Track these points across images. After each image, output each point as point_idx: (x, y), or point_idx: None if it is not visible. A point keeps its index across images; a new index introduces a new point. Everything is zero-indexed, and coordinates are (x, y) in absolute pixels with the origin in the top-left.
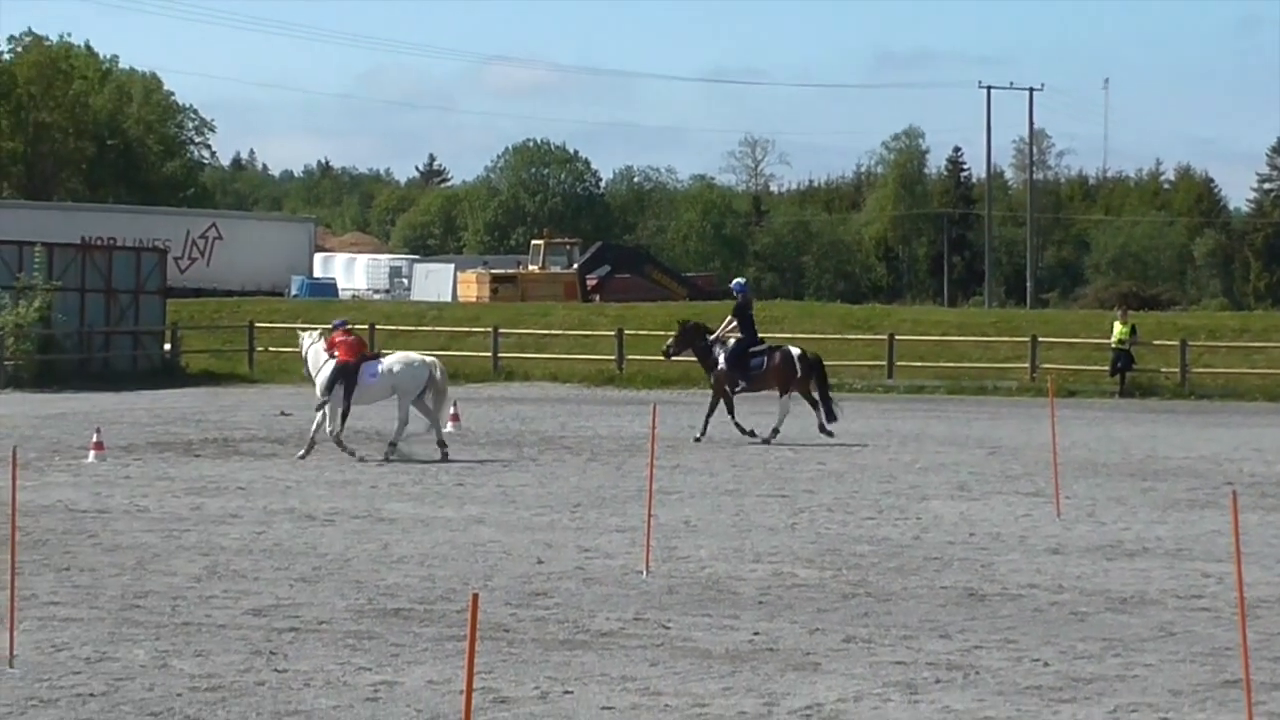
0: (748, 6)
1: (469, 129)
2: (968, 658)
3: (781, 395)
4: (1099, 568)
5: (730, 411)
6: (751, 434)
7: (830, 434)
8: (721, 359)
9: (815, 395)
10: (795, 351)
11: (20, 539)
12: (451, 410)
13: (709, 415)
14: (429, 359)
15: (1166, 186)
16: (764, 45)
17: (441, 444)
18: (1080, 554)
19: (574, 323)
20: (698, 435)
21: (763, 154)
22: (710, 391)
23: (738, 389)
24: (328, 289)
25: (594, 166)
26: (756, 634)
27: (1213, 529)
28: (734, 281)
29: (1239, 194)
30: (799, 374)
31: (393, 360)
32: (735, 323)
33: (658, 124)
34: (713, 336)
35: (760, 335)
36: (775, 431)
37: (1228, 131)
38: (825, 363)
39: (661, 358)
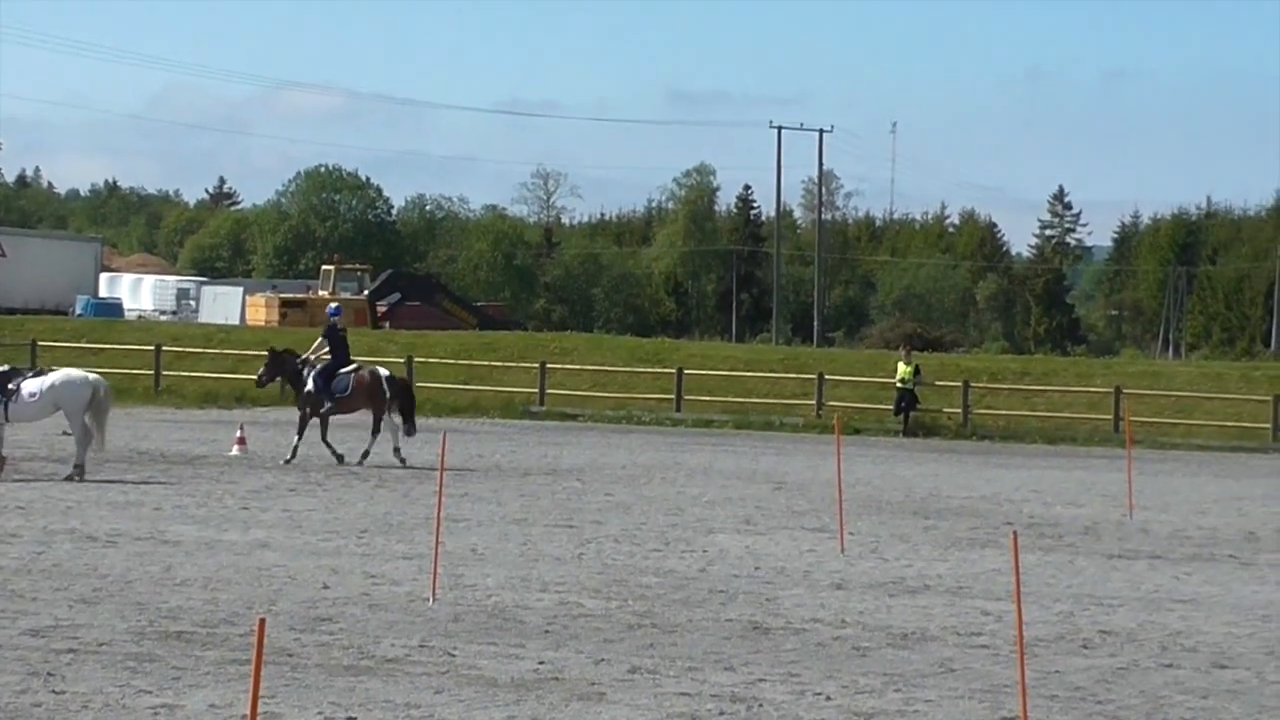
0: (543, 39)
1: (261, 152)
2: (751, 690)
3: (376, 418)
4: (881, 604)
5: (323, 434)
6: (341, 458)
7: (403, 460)
8: (310, 381)
9: (397, 420)
10: (384, 373)
11: None
12: (239, 433)
13: (298, 438)
14: (92, 376)
15: (951, 230)
16: (559, 77)
17: (77, 467)
18: (863, 590)
19: (364, 349)
20: (287, 458)
21: (555, 186)
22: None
23: (325, 409)
24: (113, 309)
25: (385, 194)
26: (542, 663)
27: (992, 568)
28: (330, 306)
29: (1021, 239)
30: (387, 395)
31: (55, 377)
32: (326, 346)
33: (451, 153)
34: (301, 358)
35: (353, 359)
36: (365, 455)
37: (1011, 178)
38: (612, 394)
39: (454, 384)
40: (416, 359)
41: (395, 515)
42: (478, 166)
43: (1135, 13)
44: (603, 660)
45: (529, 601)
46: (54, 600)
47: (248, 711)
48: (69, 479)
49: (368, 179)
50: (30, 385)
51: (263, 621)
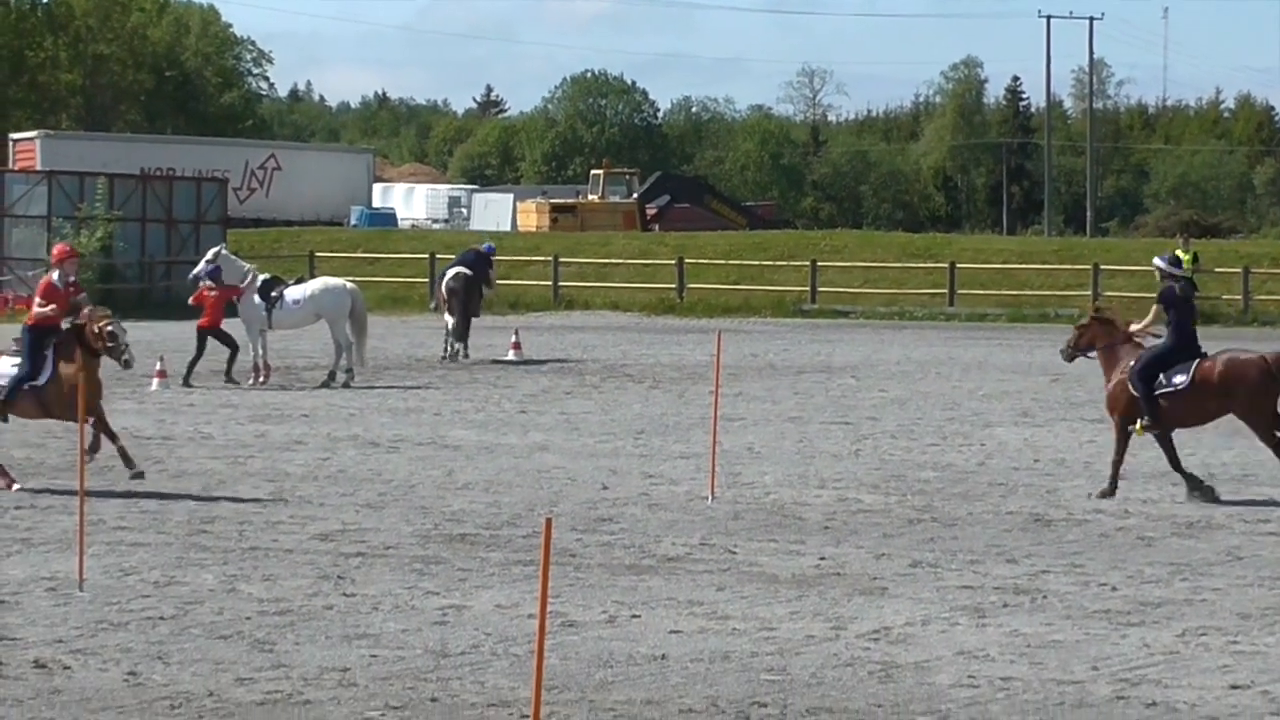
0: None
1: (527, 60)
2: (1034, 582)
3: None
4: (1165, 493)
5: None
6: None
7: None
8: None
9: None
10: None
11: (88, 465)
12: (514, 339)
13: None
14: (350, 285)
15: (1226, 115)
16: None
17: (347, 371)
18: (1146, 479)
19: (634, 252)
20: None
21: (820, 84)
22: None
23: None
24: (387, 219)
25: (651, 97)
26: (823, 559)
27: None
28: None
29: None
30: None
31: (316, 285)
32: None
33: (717, 55)
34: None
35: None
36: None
37: None
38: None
39: (725, 285)
40: (687, 260)
41: (671, 416)
42: (744, 67)
43: None
44: (883, 555)
45: (807, 498)
46: (341, 505)
47: (535, 611)
48: (325, 385)
49: (634, 83)
50: (293, 293)
51: (549, 521)
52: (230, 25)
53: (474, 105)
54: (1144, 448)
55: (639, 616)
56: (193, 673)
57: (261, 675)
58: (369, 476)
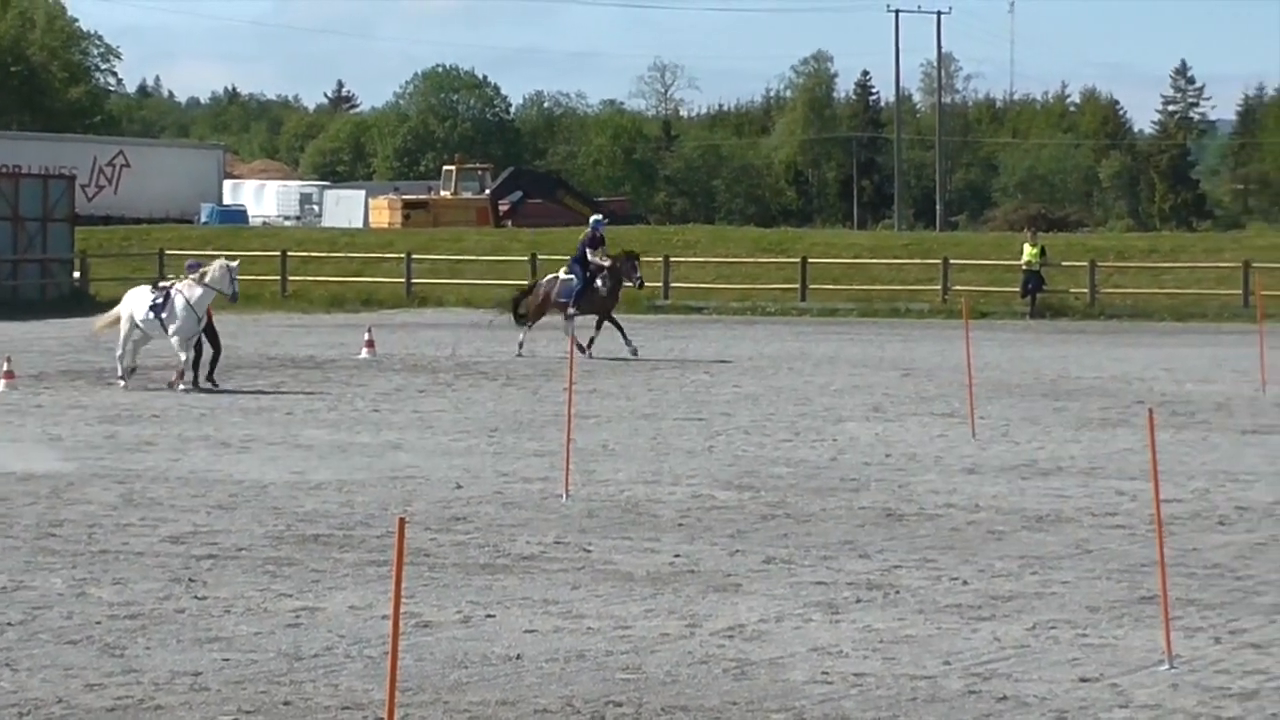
0: None
1: (382, 56)
2: (887, 577)
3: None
4: (1014, 487)
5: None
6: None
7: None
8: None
9: None
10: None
11: None
12: (367, 336)
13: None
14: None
15: (1072, 109)
16: None
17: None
18: (996, 473)
19: (487, 248)
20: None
21: (672, 79)
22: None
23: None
24: (238, 216)
25: (504, 92)
26: (677, 556)
27: (1125, 447)
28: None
29: (1144, 116)
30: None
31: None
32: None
33: (571, 49)
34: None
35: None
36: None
37: (1132, 54)
38: (736, 285)
39: None
40: (540, 256)
41: (525, 413)
42: (598, 61)
43: None
44: (737, 552)
45: (661, 495)
46: (192, 507)
47: (389, 612)
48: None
49: (485, 78)
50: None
51: (402, 521)
52: (76, 20)
53: (325, 101)
54: (994, 442)
55: (494, 616)
56: (41, 679)
57: (111, 681)
58: (220, 477)
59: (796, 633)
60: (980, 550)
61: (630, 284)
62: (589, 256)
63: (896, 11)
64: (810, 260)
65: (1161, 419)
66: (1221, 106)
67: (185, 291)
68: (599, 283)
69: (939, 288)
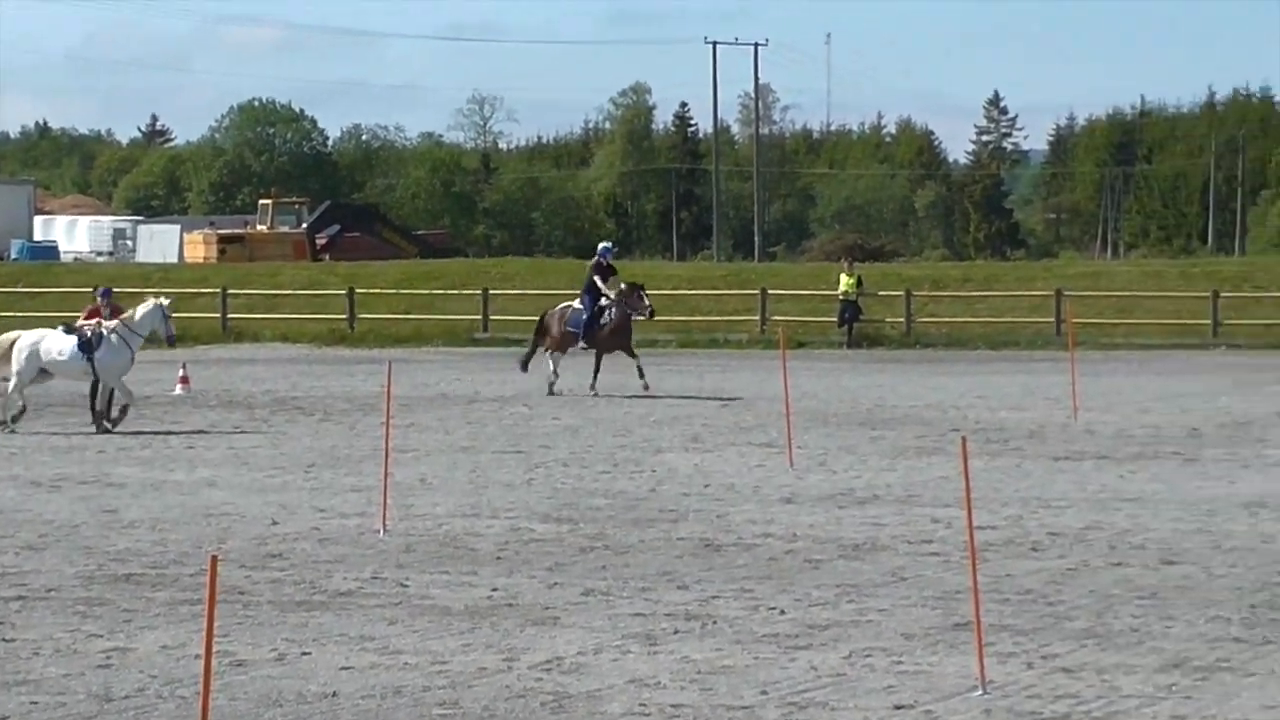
0: None
1: (196, 89)
2: (705, 607)
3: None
4: (831, 516)
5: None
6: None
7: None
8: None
9: None
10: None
11: None
12: (181, 373)
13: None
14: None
15: (888, 140)
16: (501, 2)
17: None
18: (813, 503)
19: (304, 282)
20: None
21: (491, 111)
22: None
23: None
24: (49, 252)
25: (321, 125)
26: (495, 590)
27: (940, 475)
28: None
29: (958, 146)
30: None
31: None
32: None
33: (390, 82)
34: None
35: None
36: None
37: (946, 86)
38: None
39: (397, 314)
40: (358, 290)
41: (342, 448)
42: (417, 94)
43: None
44: (556, 584)
45: (480, 529)
46: (0, 548)
47: (201, 651)
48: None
49: (302, 111)
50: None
51: (214, 559)
52: None
53: (140, 135)
54: (811, 472)
55: (309, 654)
56: None
57: None
58: (30, 517)
59: (614, 665)
60: (797, 579)
61: (640, 316)
62: (599, 287)
63: (714, 44)
64: None
65: (975, 447)
66: (1033, 136)
67: (120, 330)
68: (607, 315)
69: (757, 318)
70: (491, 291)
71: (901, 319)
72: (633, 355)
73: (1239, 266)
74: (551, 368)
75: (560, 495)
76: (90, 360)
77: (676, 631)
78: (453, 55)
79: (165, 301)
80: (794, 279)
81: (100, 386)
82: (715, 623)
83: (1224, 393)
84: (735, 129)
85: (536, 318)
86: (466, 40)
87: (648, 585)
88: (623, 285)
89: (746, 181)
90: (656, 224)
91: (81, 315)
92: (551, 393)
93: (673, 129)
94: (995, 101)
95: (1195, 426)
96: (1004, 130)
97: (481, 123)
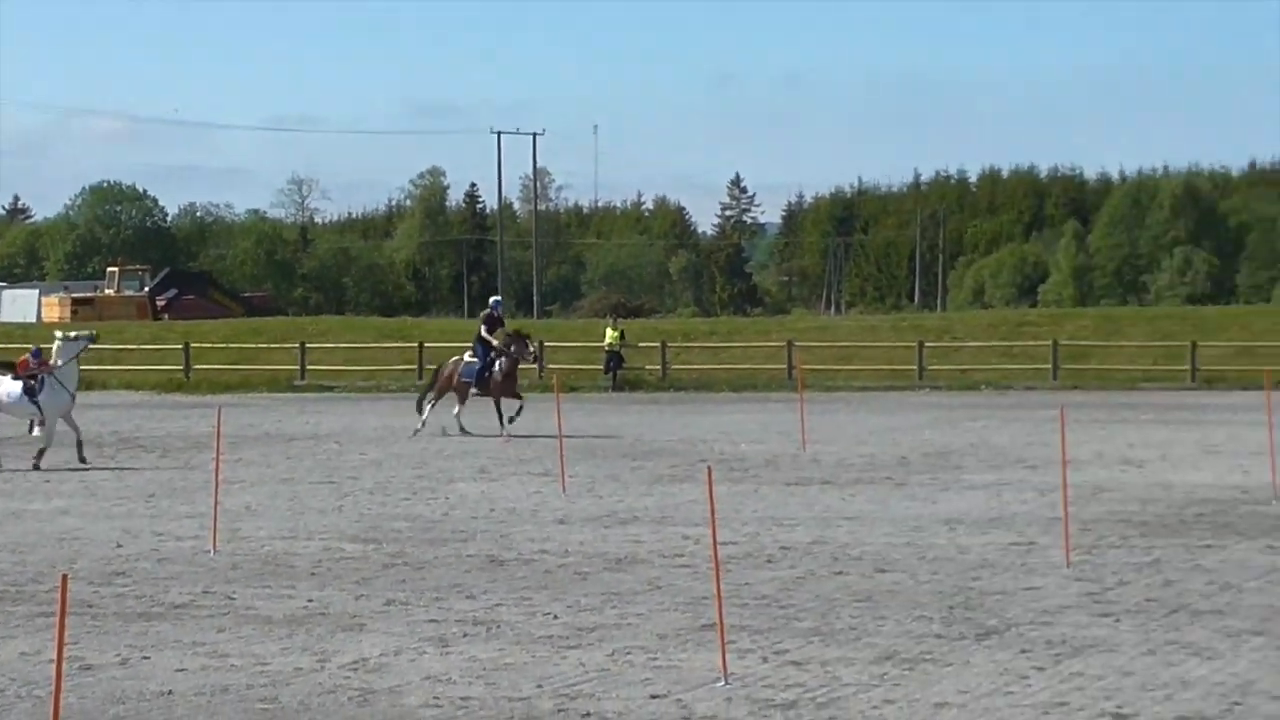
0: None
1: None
2: (490, 614)
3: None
4: (598, 534)
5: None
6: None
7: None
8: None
9: None
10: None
11: None
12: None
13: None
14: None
15: (647, 214)
16: (316, 96)
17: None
18: (582, 523)
19: (146, 338)
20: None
21: (308, 191)
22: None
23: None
24: None
25: (161, 203)
26: (310, 601)
27: (690, 499)
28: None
29: (706, 219)
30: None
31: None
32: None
33: (221, 166)
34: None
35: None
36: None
37: (696, 168)
38: (363, 367)
39: (226, 365)
40: (193, 344)
41: (178, 481)
42: (245, 176)
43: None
44: (362, 596)
45: (297, 549)
46: None
47: (54, 657)
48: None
49: (144, 191)
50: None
51: (65, 578)
52: None
53: (3, 212)
54: (581, 497)
55: (149, 658)
56: None
57: None
58: None
59: (412, 664)
60: (569, 589)
61: (525, 361)
62: (486, 337)
63: (498, 133)
64: (427, 345)
65: (719, 474)
66: (769, 211)
67: (58, 374)
68: (497, 365)
69: (536, 366)
70: (308, 345)
71: (658, 366)
72: (518, 397)
73: (940, 321)
74: (458, 416)
75: (366, 519)
76: (38, 404)
77: (465, 635)
78: (275, 142)
79: (62, 335)
80: (567, 333)
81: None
82: (499, 627)
83: (928, 427)
84: (517, 205)
85: (348, 367)
86: (286, 130)
87: (441, 596)
88: (508, 334)
89: (527, 250)
90: (450, 286)
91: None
92: (463, 432)
93: (464, 205)
94: (737, 181)
95: (904, 455)
96: (744, 206)
97: (300, 200)
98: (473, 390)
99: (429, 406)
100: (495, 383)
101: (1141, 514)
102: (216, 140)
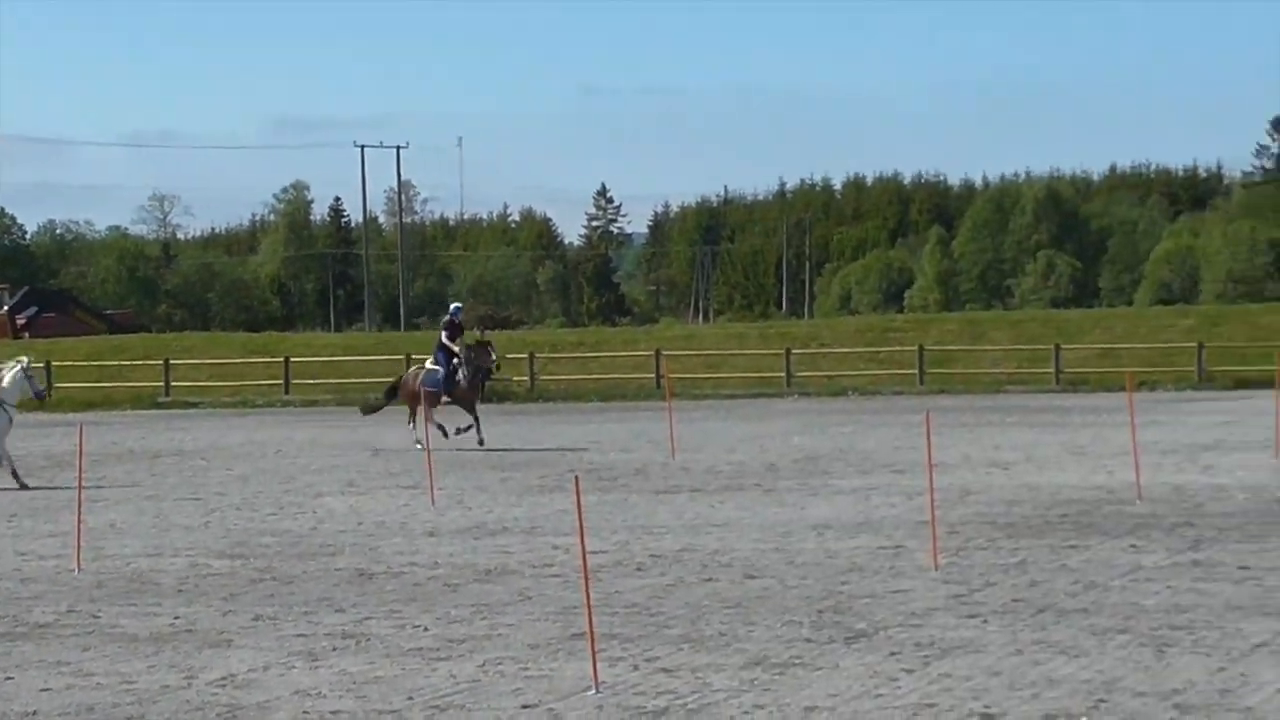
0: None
1: None
2: (360, 627)
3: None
4: (468, 546)
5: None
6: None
7: None
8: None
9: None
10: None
11: None
12: None
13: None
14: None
15: (513, 226)
16: (179, 110)
17: None
18: (452, 535)
19: (6, 357)
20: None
21: (170, 207)
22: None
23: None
24: None
25: (20, 221)
26: (177, 618)
27: (560, 509)
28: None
29: (573, 230)
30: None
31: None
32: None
33: (81, 183)
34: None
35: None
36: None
37: (561, 179)
38: (229, 382)
39: (89, 383)
40: (55, 363)
41: (40, 500)
42: (106, 193)
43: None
44: (230, 612)
45: (163, 566)
46: None
47: None
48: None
49: (2, 209)
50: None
51: None
52: None
53: None
54: (450, 509)
55: (12, 678)
56: None
57: None
58: None
59: (281, 679)
60: (438, 601)
61: (489, 368)
62: (448, 344)
63: (362, 147)
64: (292, 359)
65: (589, 484)
66: (636, 221)
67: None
68: (460, 373)
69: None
70: (172, 361)
71: (527, 377)
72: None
73: (808, 328)
74: (414, 427)
75: (233, 535)
76: None
77: (335, 649)
78: (136, 159)
79: (24, 362)
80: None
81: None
82: (368, 640)
83: (796, 433)
84: (383, 219)
85: (213, 383)
86: (147, 146)
87: (310, 610)
88: (470, 342)
89: (393, 263)
90: (316, 300)
91: None
92: (419, 445)
93: (328, 219)
94: (603, 192)
95: (772, 462)
96: (610, 216)
97: (162, 217)
98: (444, 399)
99: (412, 426)
100: (463, 390)
101: (1007, 516)
102: (75, 157)
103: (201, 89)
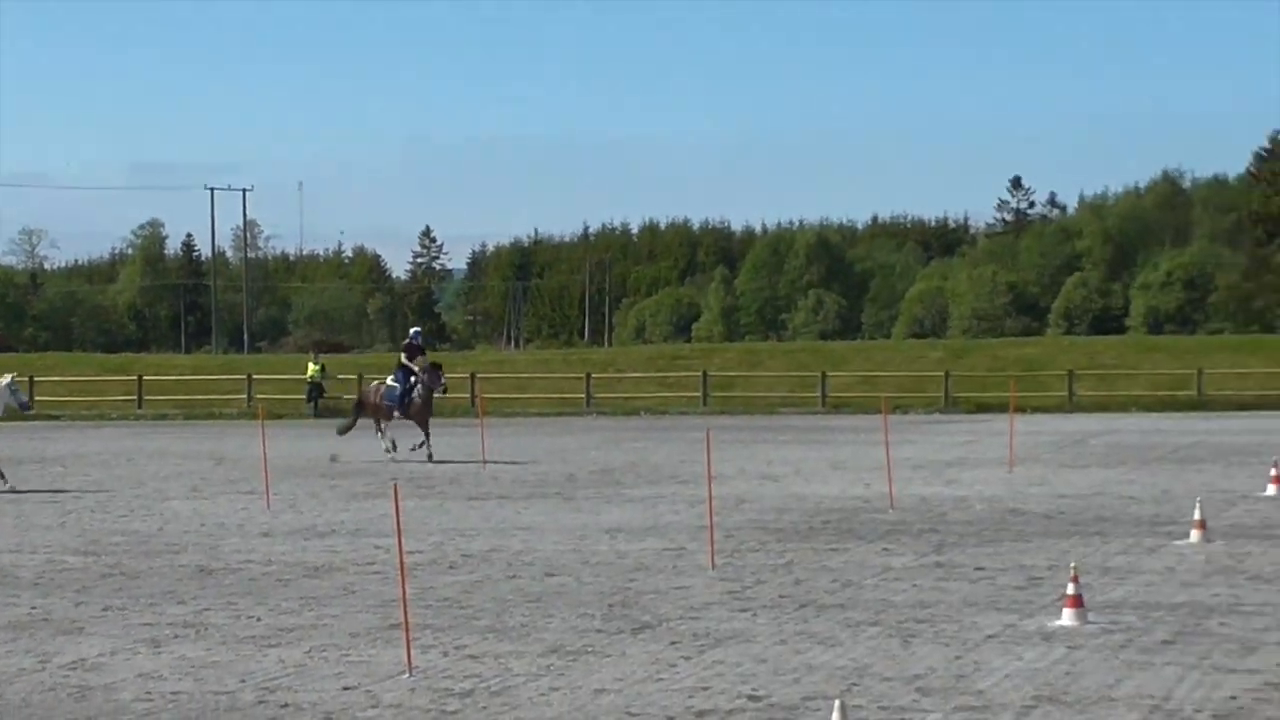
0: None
1: None
2: (200, 617)
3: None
4: (299, 545)
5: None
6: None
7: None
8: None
9: None
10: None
11: None
12: None
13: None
14: None
15: (347, 261)
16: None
17: None
18: (285, 535)
19: None
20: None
21: (38, 240)
22: None
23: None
24: None
25: None
26: (34, 608)
27: (382, 513)
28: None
29: (400, 265)
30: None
31: None
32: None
33: None
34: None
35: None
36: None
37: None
38: (88, 397)
39: None
40: None
41: None
42: None
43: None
44: (82, 603)
45: (22, 561)
46: None
47: None
48: None
49: None
50: None
51: None
52: None
53: None
54: (284, 512)
55: None
56: None
57: None
58: None
59: (127, 663)
60: (271, 594)
61: (437, 391)
62: (408, 364)
63: (211, 189)
64: (146, 378)
65: (409, 491)
66: (456, 258)
67: None
68: (415, 391)
69: (244, 396)
70: (36, 378)
71: (355, 396)
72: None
73: (607, 355)
74: (383, 436)
75: (87, 534)
76: None
77: (176, 636)
78: (8, 197)
79: (7, 379)
80: (275, 366)
81: None
82: (207, 629)
83: (594, 448)
84: (230, 253)
85: (73, 397)
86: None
87: (155, 601)
88: (427, 364)
89: (238, 293)
90: (169, 325)
91: None
92: (389, 453)
93: (181, 253)
94: (427, 232)
95: (572, 473)
96: (434, 254)
97: (30, 249)
98: (395, 414)
99: (381, 436)
100: (416, 407)
101: (777, 522)
102: None
103: (68, 135)
